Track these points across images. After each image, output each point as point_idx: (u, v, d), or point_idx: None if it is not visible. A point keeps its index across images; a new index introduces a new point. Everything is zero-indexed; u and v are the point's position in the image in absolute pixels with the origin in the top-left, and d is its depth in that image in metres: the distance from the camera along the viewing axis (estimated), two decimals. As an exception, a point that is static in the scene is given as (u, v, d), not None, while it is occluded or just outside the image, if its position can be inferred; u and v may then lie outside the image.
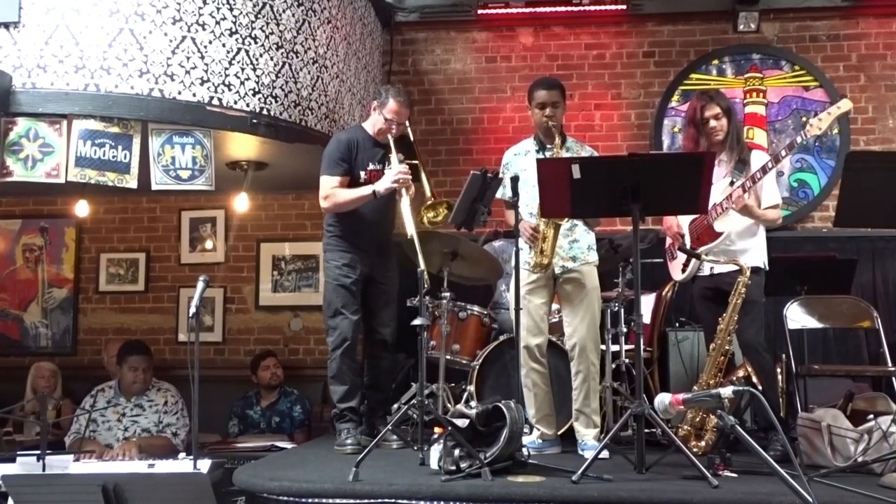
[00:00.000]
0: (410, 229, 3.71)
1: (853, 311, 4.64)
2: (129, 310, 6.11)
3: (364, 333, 4.02)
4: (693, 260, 3.72)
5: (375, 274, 4.02)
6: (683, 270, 3.83)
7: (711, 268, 3.69)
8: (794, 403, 4.30)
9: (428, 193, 3.82)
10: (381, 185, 3.81)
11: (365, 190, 3.85)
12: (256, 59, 4.24)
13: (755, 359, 3.47)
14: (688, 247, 3.73)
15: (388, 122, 3.94)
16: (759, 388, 3.10)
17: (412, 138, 4.13)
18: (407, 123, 4.03)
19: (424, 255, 3.99)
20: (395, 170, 3.80)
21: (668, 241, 3.97)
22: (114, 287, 6.12)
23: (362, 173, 3.94)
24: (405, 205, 3.79)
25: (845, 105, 3.59)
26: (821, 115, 3.59)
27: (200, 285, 3.27)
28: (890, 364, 4.41)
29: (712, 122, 3.70)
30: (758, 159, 3.65)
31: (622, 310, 4.27)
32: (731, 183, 3.63)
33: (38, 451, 3.17)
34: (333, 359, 3.92)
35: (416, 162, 3.92)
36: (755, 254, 3.68)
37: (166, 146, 4.09)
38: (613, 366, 4.18)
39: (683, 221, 3.85)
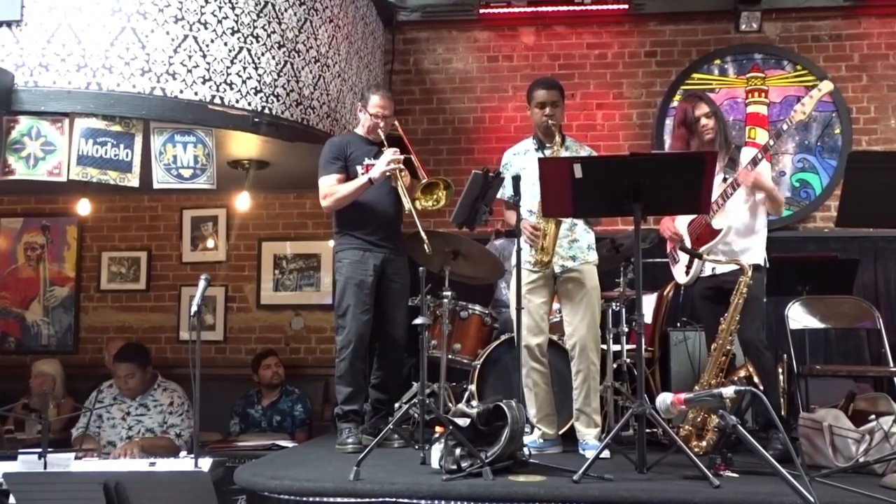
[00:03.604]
0: (407, 204, 3.82)
1: (855, 311, 4.64)
2: (131, 308, 6.11)
3: (374, 333, 4.02)
4: (696, 262, 3.71)
5: (388, 271, 4.01)
6: (687, 273, 3.81)
7: (713, 268, 3.68)
8: (795, 403, 4.30)
9: (422, 178, 3.85)
10: (376, 171, 3.85)
11: (361, 179, 3.89)
12: (258, 58, 4.24)
13: (756, 357, 3.46)
14: (688, 247, 3.73)
15: (375, 117, 4.01)
16: (761, 387, 3.09)
17: (404, 137, 4.15)
18: (396, 123, 4.10)
19: (425, 253, 4.00)
20: (387, 156, 3.85)
21: (669, 244, 3.97)
22: (115, 285, 6.13)
23: (359, 168, 3.97)
24: (401, 187, 3.85)
25: (826, 86, 3.57)
26: (803, 100, 3.56)
27: (202, 284, 3.27)
28: (892, 364, 4.41)
29: (703, 121, 3.67)
30: (748, 155, 3.65)
31: (623, 309, 4.27)
32: (724, 179, 3.63)
33: (39, 450, 3.18)
34: (342, 359, 3.92)
35: (410, 156, 3.94)
36: (756, 252, 3.67)
37: (168, 145, 4.09)
38: (615, 365, 4.18)
39: (682, 224, 3.84)
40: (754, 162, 3.53)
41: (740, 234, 3.66)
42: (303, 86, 4.52)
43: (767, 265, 3.70)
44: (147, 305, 6.11)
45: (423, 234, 3.78)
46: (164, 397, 4.44)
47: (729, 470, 3.04)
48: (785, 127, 3.64)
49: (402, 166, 3.86)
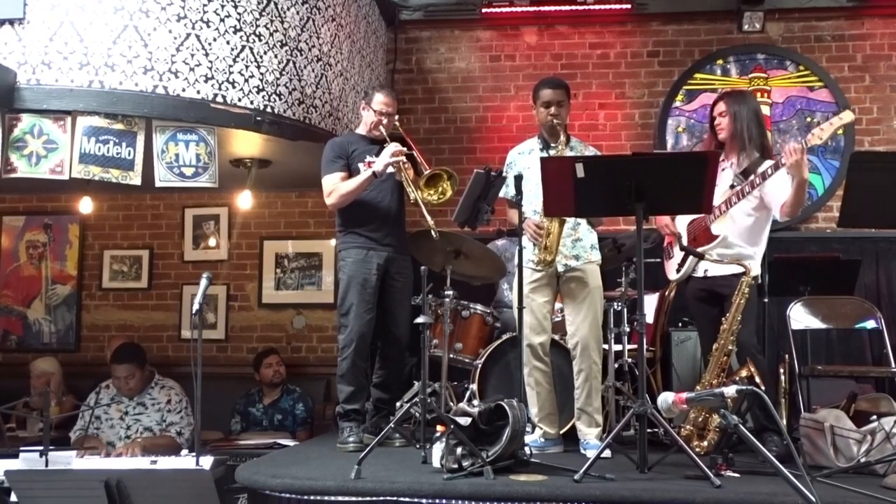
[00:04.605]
0: (413, 194, 3.81)
1: (857, 311, 4.64)
2: (133, 307, 6.12)
3: (376, 332, 4.02)
4: (689, 259, 3.70)
5: (391, 270, 4.01)
6: (679, 270, 3.81)
7: (705, 269, 3.68)
8: (796, 404, 4.29)
9: (425, 171, 3.86)
10: (380, 164, 3.84)
11: (365, 174, 3.88)
12: (260, 57, 4.24)
13: (751, 359, 3.45)
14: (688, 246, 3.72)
15: (379, 114, 4.01)
16: (762, 387, 3.09)
17: (405, 136, 4.15)
18: (397, 123, 4.10)
19: (427, 252, 4.00)
20: (390, 149, 3.84)
21: (667, 239, 3.97)
22: (117, 284, 6.14)
23: (361, 166, 3.97)
24: (405, 179, 3.85)
25: (847, 116, 3.54)
26: (823, 126, 3.52)
27: (203, 283, 3.27)
28: (893, 365, 4.40)
29: (717, 119, 3.71)
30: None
31: (625, 309, 4.26)
32: (732, 186, 3.62)
33: (41, 447, 3.18)
34: (344, 358, 3.92)
35: (413, 152, 3.94)
36: (752, 263, 3.64)
37: (170, 143, 4.09)
38: (616, 365, 4.18)
39: (682, 221, 3.84)
40: (763, 176, 3.49)
41: (746, 241, 3.62)
42: (305, 84, 4.52)
43: (758, 282, 3.69)
44: (149, 304, 6.11)
45: (430, 220, 3.75)
46: (161, 395, 4.43)
47: (730, 470, 3.04)
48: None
49: (404, 159, 3.86)
